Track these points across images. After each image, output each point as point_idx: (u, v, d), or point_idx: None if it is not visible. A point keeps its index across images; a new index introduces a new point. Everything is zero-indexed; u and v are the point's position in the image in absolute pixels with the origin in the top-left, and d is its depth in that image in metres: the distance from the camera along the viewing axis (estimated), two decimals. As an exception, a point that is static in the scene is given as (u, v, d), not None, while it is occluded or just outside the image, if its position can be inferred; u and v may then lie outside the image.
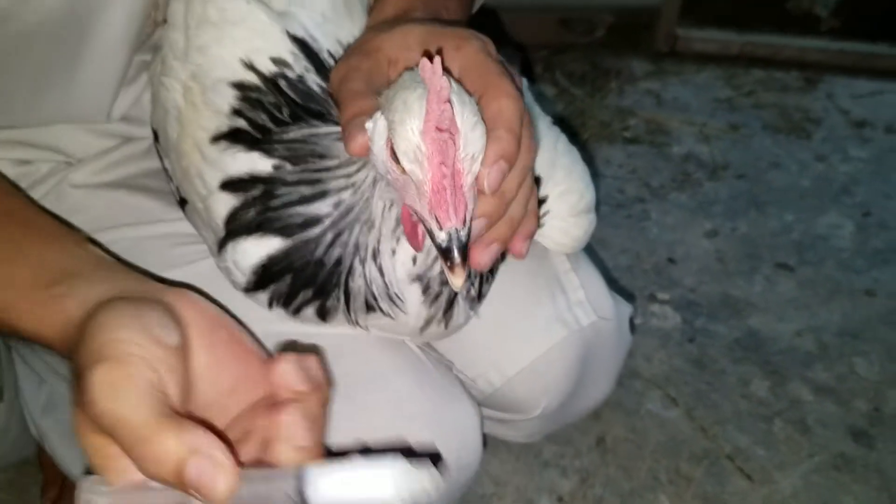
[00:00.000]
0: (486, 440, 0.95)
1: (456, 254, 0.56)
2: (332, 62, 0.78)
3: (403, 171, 0.57)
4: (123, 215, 0.94)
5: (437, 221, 0.56)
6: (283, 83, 0.75)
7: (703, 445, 1.59)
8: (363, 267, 0.72)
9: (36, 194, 0.94)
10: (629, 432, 1.61)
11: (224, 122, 0.75)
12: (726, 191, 2.20)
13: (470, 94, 0.61)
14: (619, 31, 2.72)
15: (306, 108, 0.74)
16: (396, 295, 0.74)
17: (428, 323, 0.78)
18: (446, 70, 0.61)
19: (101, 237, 0.88)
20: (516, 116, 0.62)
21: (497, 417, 1.02)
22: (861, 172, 2.28)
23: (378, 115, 0.60)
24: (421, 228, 0.65)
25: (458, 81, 0.63)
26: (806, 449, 1.59)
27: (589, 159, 0.85)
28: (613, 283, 1.04)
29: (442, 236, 0.56)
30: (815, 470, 1.56)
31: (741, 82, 2.61)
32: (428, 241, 0.66)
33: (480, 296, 0.80)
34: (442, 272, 0.66)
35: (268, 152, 0.73)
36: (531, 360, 0.93)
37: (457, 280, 0.57)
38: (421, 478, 0.51)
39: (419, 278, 0.73)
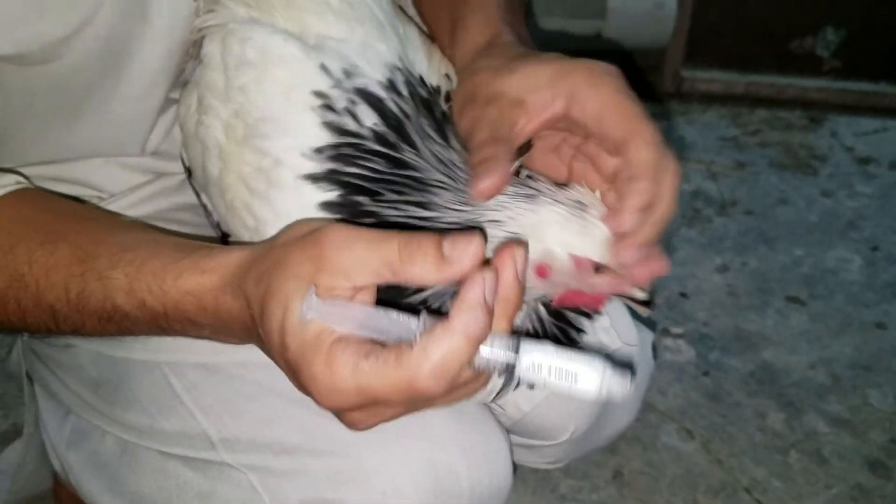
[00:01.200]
0: (515, 468, 0.96)
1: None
2: (382, 92, 0.78)
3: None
4: None
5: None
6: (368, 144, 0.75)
7: (720, 478, 1.59)
8: None
9: (71, 231, 0.96)
10: (646, 465, 1.61)
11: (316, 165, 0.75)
12: (735, 227, 2.22)
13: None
14: (627, 72, 2.75)
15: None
16: None
17: None
18: None
19: None
20: (657, 165, 0.66)
21: (524, 444, 1.03)
22: (867, 208, 2.30)
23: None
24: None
25: (595, 122, 0.68)
26: (823, 480, 1.59)
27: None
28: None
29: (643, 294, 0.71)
30: (833, 501, 1.56)
31: (746, 121, 2.65)
32: None
33: None
34: None
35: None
36: (558, 386, 0.94)
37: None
38: (620, 382, 0.57)
39: None
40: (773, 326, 1.93)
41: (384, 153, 0.74)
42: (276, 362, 0.65)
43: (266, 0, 0.84)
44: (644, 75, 2.75)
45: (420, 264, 0.58)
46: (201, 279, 0.69)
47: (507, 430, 1.00)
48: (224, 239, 0.86)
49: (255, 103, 0.77)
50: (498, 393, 0.82)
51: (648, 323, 1.11)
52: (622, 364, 0.80)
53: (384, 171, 0.73)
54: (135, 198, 0.99)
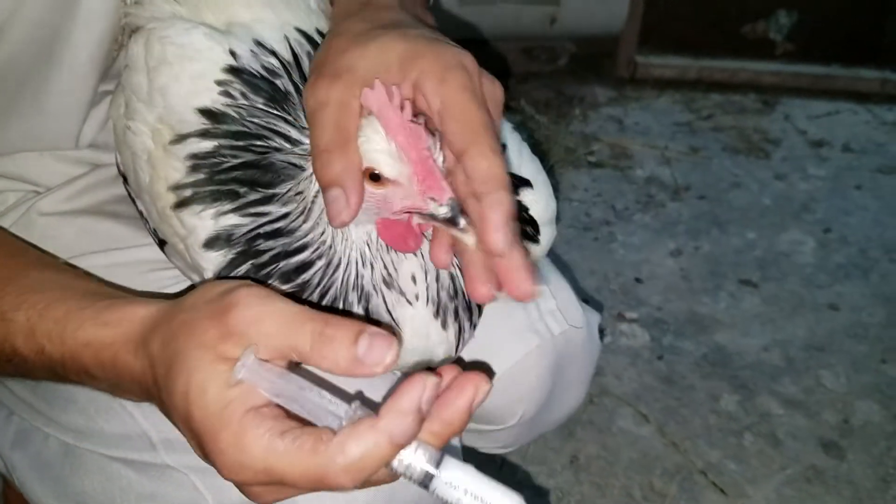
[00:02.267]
0: (462, 454, 0.95)
1: (461, 218, 0.63)
2: (281, 69, 0.78)
3: (381, 185, 0.65)
4: (94, 242, 0.94)
5: (434, 200, 0.63)
6: (235, 126, 0.75)
7: (676, 461, 1.60)
8: (368, 296, 0.74)
9: (4, 224, 0.93)
10: (602, 450, 1.62)
11: (184, 179, 0.75)
12: (689, 211, 2.24)
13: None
14: (582, 59, 2.77)
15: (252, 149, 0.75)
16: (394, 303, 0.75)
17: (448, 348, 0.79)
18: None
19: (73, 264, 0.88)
20: (504, 172, 0.63)
21: (473, 429, 1.02)
22: (820, 190, 2.33)
23: None
24: (413, 227, 0.69)
25: (437, 119, 0.66)
26: (777, 462, 1.61)
27: (555, 184, 0.87)
28: (583, 303, 1.07)
29: (444, 210, 0.63)
30: (788, 483, 1.57)
31: (700, 106, 2.66)
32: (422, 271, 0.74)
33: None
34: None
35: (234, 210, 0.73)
36: (505, 368, 0.94)
37: (470, 238, 0.62)
38: None
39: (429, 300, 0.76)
40: (726, 309, 1.95)
41: (256, 135, 0.74)
42: (177, 426, 0.62)
43: None
44: (599, 61, 2.76)
45: (330, 360, 0.56)
46: (102, 332, 0.66)
47: (456, 417, 0.99)
48: (161, 246, 0.85)
49: (173, 107, 0.76)
50: (458, 344, 0.82)
51: (595, 305, 1.10)
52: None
53: (244, 162, 0.73)
54: (72, 190, 0.96)
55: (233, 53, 0.76)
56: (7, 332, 0.70)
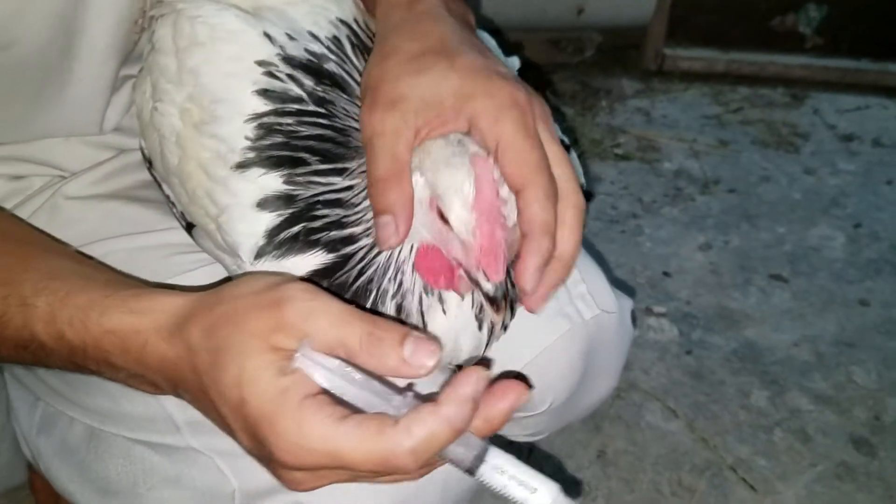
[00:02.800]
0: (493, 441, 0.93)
1: (502, 302, 0.67)
2: (325, 51, 0.77)
3: (449, 227, 0.67)
4: (118, 226, 0.93)
5: (486, 276, 0.66)
6: (295, 106, 0.74)
7: (705, 457, 1.58)
8: (404, 291, 0.73)
9: (29, 208, 0.93)
10: (630, 444, 1.60)
11: (247, 153, 0.74)
12: (718, 205, 2.21)
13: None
14: (608, 50, 2.75)
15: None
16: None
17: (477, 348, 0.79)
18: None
19: (97, 248, 0.87)
20: (552, 216, 0.68)
21: (502, 416, 1.01)
22: (850, 185, 2.30)
23: (417, 176, 0.69)
24: (453, 273, 0.72)
25: (494, 154, 0.69)
26: (807, 458, 1.59)
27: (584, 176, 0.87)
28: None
29: (490, 287, 0.66)
30: (818, 479, 1.55)
31: (728, 99, 2.63)
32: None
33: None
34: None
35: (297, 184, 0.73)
36: (535, 354, 0.92)
37: (501, 319, 0.71)
38: None
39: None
40: (755, 304, 1.92)
41: (322, 113, 0.74)
42: (219, 419, 0.63)
43: None
44: (626, 53, 2.74)
45: (377, 360, 0.59)
46: (129, 319, 0.66)
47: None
48: (189, 230, 0.84)
49: (207, 86, 0.75)
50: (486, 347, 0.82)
51: (627, 291, 1.09)
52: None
53: (322, 135, 0.73)
54: (97, 174, 0.96)
55: (268, 36, 0.75)
56: (27, 318, 0.70)
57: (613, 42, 2.74)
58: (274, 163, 0.72)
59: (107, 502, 0.91)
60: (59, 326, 0.69)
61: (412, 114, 0.70)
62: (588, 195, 0.83)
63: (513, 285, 0.74)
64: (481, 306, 0.76)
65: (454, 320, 0.75)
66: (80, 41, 0.83)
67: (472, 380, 0.57)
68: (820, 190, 2.28)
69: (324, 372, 0.58)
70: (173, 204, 0.84)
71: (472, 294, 0.75)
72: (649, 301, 1.91)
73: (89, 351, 0.68)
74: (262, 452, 0.60)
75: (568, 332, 0.93)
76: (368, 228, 0.72)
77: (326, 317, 0.59)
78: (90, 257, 0.85)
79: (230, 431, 0.63)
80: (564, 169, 0.72)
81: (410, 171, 0.69)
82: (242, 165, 0.72)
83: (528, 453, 1.54)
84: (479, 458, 0.58)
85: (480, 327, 0.77)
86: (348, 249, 0.72)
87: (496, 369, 0.94)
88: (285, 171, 0.71)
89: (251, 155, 0.72)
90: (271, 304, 0.60)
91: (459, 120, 0.70)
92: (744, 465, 1.57)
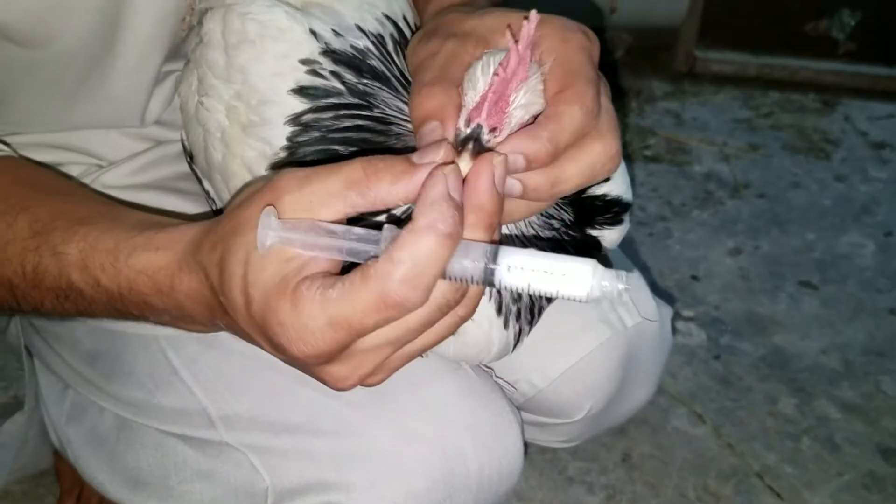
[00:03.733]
0: (526, 447, 0.93)
1: (470, 144, 0.56)
2: (371, 47, 0.76)
3: None
4: None
5: (469, 120, 0.57)
6: (333, 100, 0.72)
7: (731, 463, 1.56)
8: None
9: (68, 196, 0.93)
10: (655, 449, 1.59)
11: (280, 153, 0.73)
12: (748, 209, 2.19)
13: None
14: (639, 51, 2.73)
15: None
16: None
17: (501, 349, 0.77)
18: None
19: None
20: (572, 129, 0.58)
21: (537, 422, 1.01)
22: (881, 193, 2.27)
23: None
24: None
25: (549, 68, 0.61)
26: (835, 467, 1.57)
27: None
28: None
29: (465, 131, 0.57)
30: (845, 489, 1.53)
31: (759, 103, 2.61)
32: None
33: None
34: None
35: None
36: (575, 361, 0.92)
37: (462, 164, 0.55)
38: (615, 277, 0.51)
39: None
40: (785, 311, 1.91)
41: (362, 105, 0.72)
42: (244, 332, 0.59)
43: None
44: (656, 54, 2.72)
45: (388, 175, 0.53)
46: (154, 256, 0.64)
47: (521, 408, 0.98)
48: None
49: (255, 85, 0.74)
50: (514, 345, 0.79)
51: (667, 299, 1.08)
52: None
53: (361, 126, 0.71)
54: (135, 165, 0.96)
55: (313, 33, 0.74)
56: (61, 266, 0.69)
57: (644, 43, 2.72)
58: (308, 161, 0.71)
59: (137, 493, 0.91)
60: (93, 273, 0.67)
61: (473, 42, 0.64)
62: (626, 205, 0.82)
63: (542, 298, 0.74)
64: (500, 304, 0.75)
65: (482, 318, 0.74)
66: (123, 36, 0.83)
67: (437, 178, 0.51)
68: (850, 197, 2.26)
69: (298, 239, 0.54)
70: (213, 200, 0.83)
71: (492, 293, 0.74)
72: (678, 305, 1.90)
73: (126, 296, 0.67)
74: (284, 355, 0.56)
75: (609, 340, 0.93)
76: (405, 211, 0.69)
77: (320, 173, 0.55)
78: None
79: (258, 344, 0.59)
80: (612, 119, 0.63)
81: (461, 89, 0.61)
82: (276, 166, 0.71)
83: (551, 458, 1.53)
84: (490, 264, 0.52)
85: (506, 325, 0.76)
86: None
87: (536, 376, 0.94)
88: None
89: (284, 154, 0.71)
90: (267, 193, 0.56)
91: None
92: (770, 472, 1.55)
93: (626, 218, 0.88)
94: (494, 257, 0.52)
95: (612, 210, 0.82)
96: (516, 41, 0.56)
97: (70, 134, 0.94)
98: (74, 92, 0.86)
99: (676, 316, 1.86)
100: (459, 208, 0.51)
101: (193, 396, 0.86)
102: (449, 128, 0.58)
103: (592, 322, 0.92)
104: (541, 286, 0.52)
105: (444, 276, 0.52)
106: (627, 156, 2.29)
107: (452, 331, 0.58)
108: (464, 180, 0.54)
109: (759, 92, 2.65)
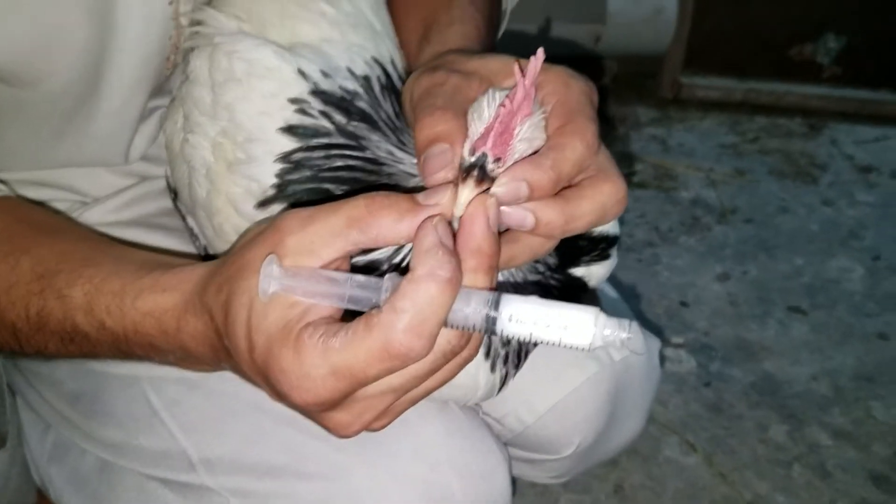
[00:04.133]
0: (514, 483, 0.92)
1: (475, 171, 0.55)
2: (359, 89, 0.75)
3: None
4: None
5: (473, 150, 0.56)
6: (324, 140, 0.72)
7: (723, 492, 1.55)
8: None
9: (50, 236, 0.92)
10: (647, 479, 1.58)
11: (268, 190, 0.73)
12: (735, 235, 2.20)
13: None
14: (625, 78, 2.75)
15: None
16: None
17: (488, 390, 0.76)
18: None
19: None
20: (574, 159, 0.57)
21: (526, 458, 1.00)
22: (868, 217, 2.28)
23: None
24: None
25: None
26: (827, 495, 1.56)
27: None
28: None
29: (469, 159, 0.56)
30: (837, 517, 1.53)
31: (745, 128, 2.62)
32: None
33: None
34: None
35: None
36: (562, 395, 0.91)
37: (462, 197, 0.54)
38: (619, 326, 0.51)
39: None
40: (774, 336, 1.90)
41: (352, 146, 0.71)
42: (247, 376, 0.59)
43: (258, 12, 0.80)
44: (642, 81, 2.74)
45: (392, 213, 0.53)
46: (161, 298, 0.64)
47: (508, 444, 0.97)
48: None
49: (241, 123, 0.73)
50: (500, 388, 0.78)
51: (654, 331, 1.07)
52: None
53: (352, 166, 0.71)
54: (119, 201, 0.95)
55: (302, 73, 0.74)
56: (66, 310, 0.68)
57: (629, 70, 2.74)
58: (297, 198, 0.70)
59: (119, 535, 0.90)
60: (98, 315, 0.67)
61: (477, 81, 0.63)
62: (613, 240, 0.82)
63: (528, 343, 0.73)
64: (489, 348, 0.75)
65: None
66: (108, 76, 0.82)
67: (426, 228, 0.51)
68: (838, 221, 2.26)
69: (300, 287, 0.53)
70: (196, 237, 0.83)
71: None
72: (667, 331, 1.89)
73: (131, 337, 0.66)
74: (286, 402, 0.55)
75: (596, 374, 0.92)
76: (391, 256, 0.69)
77: (321, 213, 0.54)
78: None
79: (261, 388, 0.58)
80: (614, 163, 0.62)
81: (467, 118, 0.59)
82: (264, 203, 0.71)
83: (542, 490, 1.52)
84: (492, 312, 0.52)
85: (493, 369, 0.76)
86: (370, 256, 0.69)
87: (524, 412, 0.94)
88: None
89: (272, 192, 0.71)
90: (270, 235, 0.56)
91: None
92: (762, 500, 1.54)
93: (614, 252, 0.87)
94: (496, 305, 0.52)
95: (598, 247, 0.81)
96: (523, 75, 0.56)
97: (54, 171, 0.93)
98: (60, 131, 0.85)
99: (666, 343, 1.86)
100: (456, 255, 0.51)
101: (174, 439, 0.84)
102: (457, 151, 0.57)
103: (579, 356, 0.92)
104: (543, 335, 0.52)
105: (445, 324, 0.52)
106: (615, 182, 2.29)
107: (456, 374, 0.58)
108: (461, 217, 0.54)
109: (746, 117, 2.66)
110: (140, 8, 0.79)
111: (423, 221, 0.52)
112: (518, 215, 0.56)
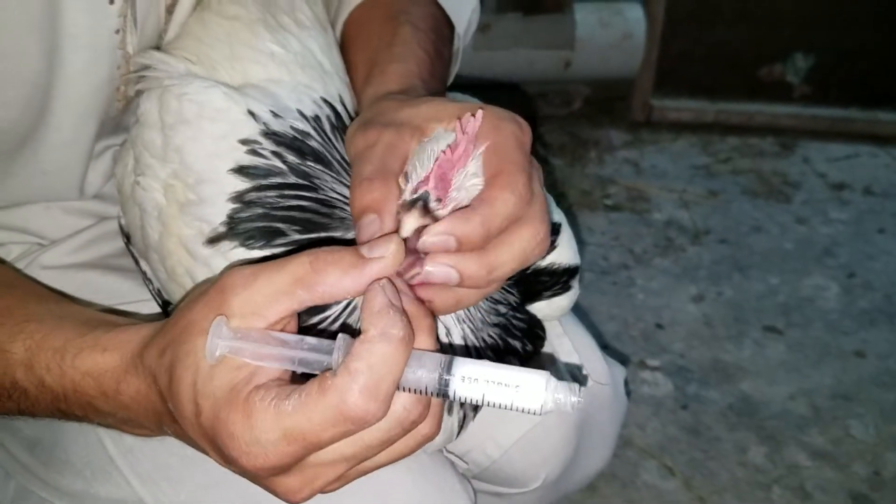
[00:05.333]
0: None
1: (420, 203, 0.56)
2: (309, 129, 0.75)
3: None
4: (96, 297, 0.90)
5: (415, 189, 0.57)
6: (277, 180, 0.71)
7: (703, 516, 1.55)
8: None
9: (5, 277, 0.91)
10: (626, 504, 1.57)
11: (219, 227, 0.72)
12: (709, 255, 2.20)
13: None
14: (596, 102, 2.76)
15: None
16: None
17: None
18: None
19: None
20: (505, 213, 0.58)
21: (493, 491, 0.98)
22: (842, 234, 2.29)
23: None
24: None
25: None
26: (807, 516, 1.56)
27: (572, 227, 0.84)
28: (603, 349, 1.03)
29: (413, 195, 0.57)
30: (818, 538, 1.52)
31: (717, 149, 2.63)
32: None
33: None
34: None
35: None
36: (528, 428, 0.90)
37: (406, 225, 0.56)
38: (568, 391, 0.52)
39: None
40: (750, 357, 1.90)
41: (306, 185, 0.71)
42: (192, 441, 0.57)
43: (207, 55, 0.81)
44: (613, 105, 2.75)
45: (336, 270, 0.53)
46: (101, 359, 0.62)
47: (475, 477, 0.96)
48: (165, 308, 0.82)
49: (191, 165, 0.72)
50: (458, 431, 0.77)
51: (616, 353, 1.07)
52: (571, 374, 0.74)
53: (304, 206, 0.71)
54: (76, 243, 0.94)
55: (252, 114, 0.73)
56: (6, 365, 0.66)
57: (601, 94, 2.75)
58: (248, 236, 0.69)
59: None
60: (38, 372, 0.65)
61: (408, 131, 0.64)
62: (574, 271, 0.82)
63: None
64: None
65: None
66: (55, 107, 0.81)
67: (375, 289, 0.52)
68: (812, 239, 2.27)
69: (248, 349, 0.53)
70: (150, 281, 0.81)
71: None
72: (643, 354, 1.89)
73: (70, 397, 0.64)
74: (234, 467, 0.54)
75: None
76: (339, 315, 0.68)
77: (265, 272, 0.54)
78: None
79: (206, 454, 0.57)
80: (542, 204, 0.62)
81: (398, 182, 0.61)
82: (213, 240, 0.70)
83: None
84: (445, 374, 0.52)
85: (450, 411, 0.75)
86: (319, 316, 0.68)
87: (489, 446, 0.92)
88: (259, 243, 0.69)
89: (223, 230, 0.70)
90: (214, 296, 0.55)
91: None
92: (742, 524, 1.54)
93: (575, 283, 0.87)
94: (449, 368, 0.53)
95: (560, 281, 0.81)
96: (463, 130, 0.58)
97: (9, 212, 0.91)
98: (7, 165, 0.84)
99: (642, 366, 1.85)
100: (402, 313, 0.51)
101: (130, 487, 0.83)
102: (386, 220, 0.58)
103: (543, 387, 0.91)
104: (495, 398, 0.52)
105: (399, 388, 0.52)
106: (588, 205, 2.30)
107: (415, 450, 0.57)
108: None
109: (717, 138, 2.68)
110: (86, 37, 0.78)
111: (371, 284, 0.52)
112: (442, 273, 0.57)
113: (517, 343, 0.77)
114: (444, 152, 0.57)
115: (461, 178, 0.58)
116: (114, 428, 0.67)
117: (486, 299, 0.73)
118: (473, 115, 0.59)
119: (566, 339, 0.94)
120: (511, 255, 0.59)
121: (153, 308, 0.86)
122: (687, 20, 2.73)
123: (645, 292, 2.08)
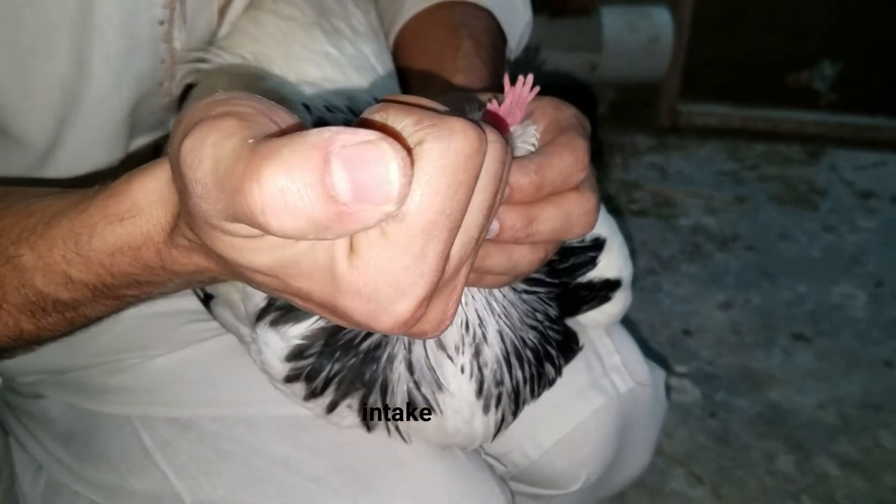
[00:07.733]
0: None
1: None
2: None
3: None
4: None
5: None
6: None
7: (731, 525, 1.53)
8: (406, 350, 0.69)
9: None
10: (654, 512, 1.55)
11: None
12: (737, 262, 2.18)
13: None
14: (622, 106, 2.74)
15: None
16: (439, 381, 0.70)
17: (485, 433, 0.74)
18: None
19: None
20: (560, 167, 0.56)
21: (531, 493, 0.97)
22: (870, 242, 2.26)
23: None
24: None
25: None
26: (837, 527, 1.53)
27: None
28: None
29: None
30: (848, 548, 1.50)
31: (744, 155, 2.61)
32: None
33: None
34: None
35: None
36: (568, 429, 0.89)
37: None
38: None
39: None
40: (779, 365, 1.88)
41: None
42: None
43: (262, 52, 0.81)
44: (639, 109, 2.73)
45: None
46: (122, 231, 0.49)
47: (514, 479, 0.95)
48: (206, 301, 0.81)
49: None
50: (496, 433, 0.76)
51: (659, 362, 1.05)
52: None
53: None
54: None
55: (307, 108, 0.73)
56: (20, 273, 0.54)
57: (627, 98, 2.73)
58: None
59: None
60: (56, 269, 0.53)
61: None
62: (615, 284, 0.81)
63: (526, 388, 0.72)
64: (481, 386, 0.72)
65: (462, 405, 0.72)
66: (75, 120, 0.79)
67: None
68: (840, 247, 2.24)
69: None
70: None
71: (472, 374, 0.71)
72: (670, 360, 1.87)
73: (109, 282, 0.52)
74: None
75: (602, 406, 0.90)
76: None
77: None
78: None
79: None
80: (594, 182, 0.61)
81: None
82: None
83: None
84: None
85: (486, 410, 0.74)
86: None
87: (529, 447, 0.92)
88: None
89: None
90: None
91: None
92: (772, 533, 1.51)
93: (618, 295, 0.86)
94: None
95: (599, 294, 0.80)
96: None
97: None
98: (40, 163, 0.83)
99: (670, 372, 1.83)
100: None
101: (167, 481, 0.82)
102: None
103: (584, 389, 0.89)
104: None
105: None
106: (614, 210, 2.28)
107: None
108: None
109: (744, 144, 2.65)
110: (122, 23, 0.75)
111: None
112: None
113: (553, 351, 0.76)
114: (488, 107, 0.56)
115: (516, 132, 0.57)
116: (185, 288, 0.57)
117: (524, 302, 0.72)
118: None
119: (607, 339, 0.93)
120: (555, 213, 0.56)
121: (191, 302, 0.85)
122: (714, 25, 2.72)
123: (672, 298, 2.06)
